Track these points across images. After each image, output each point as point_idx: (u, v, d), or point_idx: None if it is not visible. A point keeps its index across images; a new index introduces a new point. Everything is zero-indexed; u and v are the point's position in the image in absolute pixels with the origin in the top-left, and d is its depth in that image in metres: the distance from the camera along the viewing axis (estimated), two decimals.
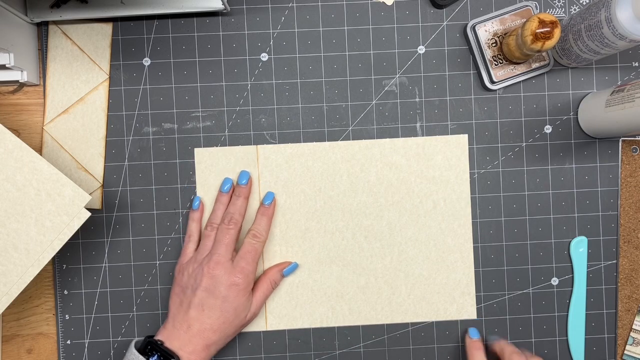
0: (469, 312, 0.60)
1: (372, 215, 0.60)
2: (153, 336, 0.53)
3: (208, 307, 0.52)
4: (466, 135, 0.60)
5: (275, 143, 0.60)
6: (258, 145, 0.60)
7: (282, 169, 0.60)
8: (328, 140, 0.60)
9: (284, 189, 0.60)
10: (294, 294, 0.60)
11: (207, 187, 0.60)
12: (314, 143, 0.60)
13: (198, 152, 0.60)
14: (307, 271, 0.60)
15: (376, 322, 0.60)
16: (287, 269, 0.58)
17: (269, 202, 0.58)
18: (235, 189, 0.58)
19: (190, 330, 0.52)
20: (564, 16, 0.60)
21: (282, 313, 0.60)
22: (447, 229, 0.60)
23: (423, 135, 0.60)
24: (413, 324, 0.60)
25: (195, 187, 0.60)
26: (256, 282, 0.57)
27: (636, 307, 0.59)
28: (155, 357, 0.51)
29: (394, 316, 0.60)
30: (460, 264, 0.60)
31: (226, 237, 0.55)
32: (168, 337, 0.52)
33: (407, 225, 0.60)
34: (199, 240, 0.58)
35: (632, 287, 0.59)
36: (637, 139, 0.60)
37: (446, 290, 0.60)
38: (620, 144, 0.60)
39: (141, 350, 0.51)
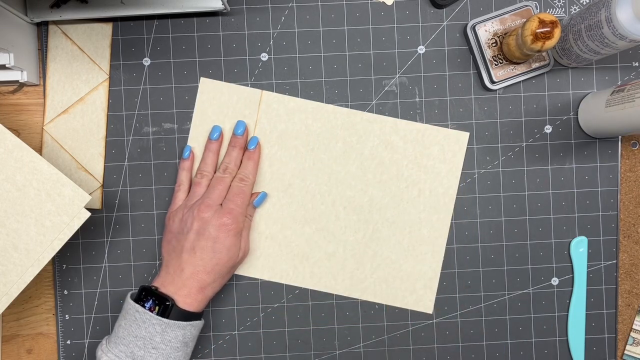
0: (426, 305, 0.60)
1: (356, 187, 0.60)
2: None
3: (200, 249, 0.52)
4: (467, 133, 0.60)
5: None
6: (263, 91, 0.60)
7: (281, 120, 0.60)
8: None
9: (278, 140, 0.60)
10: (261, 244, 0.60)
11: (203, 119, 0.59)
12: (318, 103, 0.60)
13: (203, 81, 0.59)
14: (279, 226, 0.60)
15: (333, 291, 0.60)
16: (257, 200, 0.58)
17: (253, 146, 0.58)
18: (232, 139, 0.58)
19: (184, 274, 0.52)
20: (564, 16, 0.60)
21: (244, 260, 0.60)
22: (425, 220, 0.60)
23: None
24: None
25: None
26: None
27: (636, 303, 0.59)
28: (150, 302, 0.51)
29: (352, 290, 0.60)
30: (430, 257, 0.60)
31: (220, 185, 0.55)
32: (163, 282, 0.52)
33: (387, 206, 0.60)
34: (189, 189, 0.58)
35: (632, 282, 0.60)
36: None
37: (409, 279, 0.60)
38: (620, 139, 0.60)
39: (137, 298, 0.52)
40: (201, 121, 0.59)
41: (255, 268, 0.60)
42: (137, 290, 0.53)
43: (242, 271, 0.60)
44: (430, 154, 0.60)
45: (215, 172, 0.57)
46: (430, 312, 0.60)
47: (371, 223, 0.60)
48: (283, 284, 0.60)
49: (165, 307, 0.50)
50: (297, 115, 0.60)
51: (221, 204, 0.54)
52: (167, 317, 0.50)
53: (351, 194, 0.60)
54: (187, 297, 0.51)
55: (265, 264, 0.60)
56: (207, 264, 0.52)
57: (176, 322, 0.50)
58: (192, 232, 0.52)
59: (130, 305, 0.51)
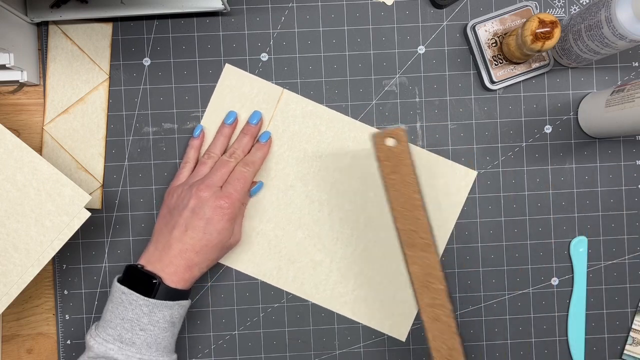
0: (400, 333, 0.60)
1: (356, 203, 0.60)
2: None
3: (191, 227, 0.51)
4: (475, 172, 0.60)
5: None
6: (284, 89, 0.60)
7: (296, 121, 0.60)
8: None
9: (289, 140, 0.60)
10: (251, 239, 0.60)
11: (220, 105, 0.59)
12: (335, 112, 0.60)
13: (228, 67, 0.59)
14: (272, 225, 0.60)
15: (312, 300, 0.60)
16: (254, 189, 0.58)
17: (265, 139, 0.58)
18: (244, 127, 0.58)
19: (172, 251, 0.51)
20: (564, 16, 0.60)
21: (231, 251, 0.59)
22: None
23: (424, 135, 0.60)
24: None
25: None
26: None
27: (441, 314, 0.52)
28: (136, 282, 0.50)
29: (331, 303, 0.60)
30: None
31: (224, 168, 0.55)
32: (149, 259, 0.52)
33: (383, 227, 0.60)
34: (194, 167, 0.58)
35: (431, 293, 0.52)
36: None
37: (389, 303, 0.60)
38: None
39: (122, 280, 0.51)
40: (217, 106, 0.59)
41: (241, 261, 0.60)
42: (122, 273, 0.52)
43: (227, 262, 0.60)
44: (435, 185, 0.60)
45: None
46: (404, 340, 0.60)
47: (363, 241, 0.60)
48: None
49: (151, 285, 0.49)
50: (312, 119, 0.60)
51: (221, 187, 0.54)
52: (154, 295, 0.49)
53: (350, 208, 0.60)
54: (173, 275, 0.51)
55: (252, 259, 0.60)
56: (197, 243, 0.51)
57: (163, 302, 0.49)
58: (187, 210, 0.52)
59: (116, 287, 0.50)
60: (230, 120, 0.58)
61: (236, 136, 0.59)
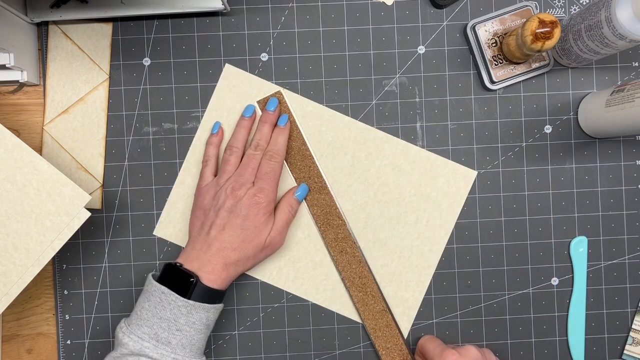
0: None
1: (356, 203, 0.60)
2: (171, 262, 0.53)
3: (229, 225, 0.52)
4: (475, 172, 0.60)
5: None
6: (284, 89, 0.59)
7: (296, 121, 0.59)
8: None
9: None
10: None
11: (219, 105, 0.59)
12: (334, 112, 0.60)
13: (228, 67, 0.59)
14: None
15: (313, 300, 0.60)
16: (300, 193, 0.58)
17: (283, 123, 0.58)
18: (263, 115, 0.58)
19: (210, 250, 0.52)
20: (564, 16, 0.60)
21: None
22: (417, 248, 0.60)
23: (424, 135, 0.60)
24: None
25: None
26: (276, 207, 0.57)
27: (346, 246, 0.58)
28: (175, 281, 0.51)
29: (331, 303, 0.60)
30: (414, 286, 0.60)
31: (252, 162, 0.55)
32: (187, 258, 0.52)
33: (382, 227, 0.60)
34: (216, 164, 0.58)
35: (333, 229, 0.59)
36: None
37: (389, 303, 0.60)
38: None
39: (160, 279, 0.51)
40: (217, 106, 0.59)
41: None
42: (158, 272, 0.53)
43: None
44: (435, 184, 0.60)
45: (244, 149, 0.57)
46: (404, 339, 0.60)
47: (363, 240, 0.60)
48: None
49: (189, 283, 0.50)
50: (312, 120, 0.60)
51: (254, 182, 0.54)
52: (190, 294, 0.50)
53: (350, 208, 0.60)
54: (210, 274, 0.51)
55: None
56: (234, 240, 0.52)
57: (201, 304, 0.50)
58: (224, 210, 0.53)
59: (155, 287, 0.51)
60: (249, 113, 0.58)
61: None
